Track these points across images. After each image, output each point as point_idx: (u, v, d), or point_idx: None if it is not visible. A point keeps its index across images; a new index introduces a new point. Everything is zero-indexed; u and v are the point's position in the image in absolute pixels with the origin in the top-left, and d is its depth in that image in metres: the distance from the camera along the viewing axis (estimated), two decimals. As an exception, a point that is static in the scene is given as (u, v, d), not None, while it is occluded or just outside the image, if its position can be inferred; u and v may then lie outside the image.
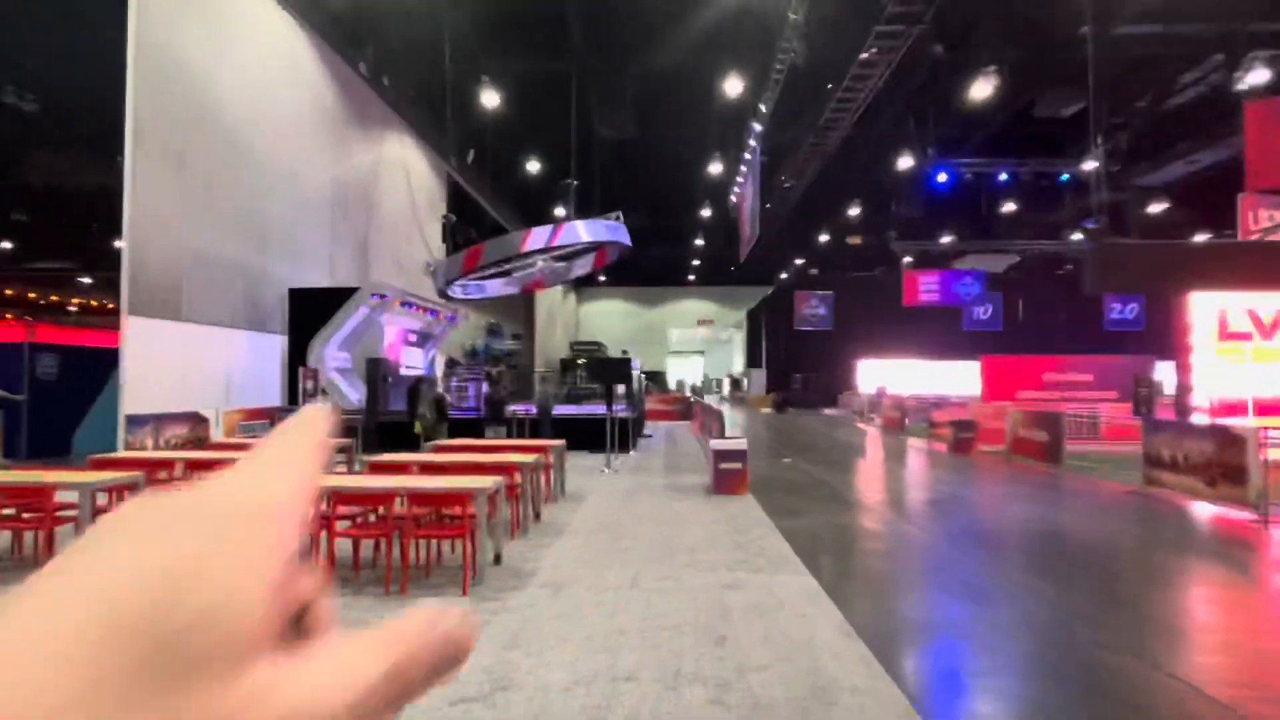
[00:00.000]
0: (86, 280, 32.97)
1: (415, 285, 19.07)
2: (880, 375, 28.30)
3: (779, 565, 5.43)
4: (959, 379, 23.85)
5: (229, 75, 12.38)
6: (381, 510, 4.91)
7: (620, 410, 14.42)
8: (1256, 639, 4.13)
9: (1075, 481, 10.23)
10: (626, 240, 17.59)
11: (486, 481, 4.98)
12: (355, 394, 14.07)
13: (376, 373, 13.42)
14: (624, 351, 26.71)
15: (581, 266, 20.32)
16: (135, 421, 9.52)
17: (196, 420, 10.46)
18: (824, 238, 35.73)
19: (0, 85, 15.21)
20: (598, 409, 14.64)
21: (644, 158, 26.44)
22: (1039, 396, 16.01)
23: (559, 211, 26.25)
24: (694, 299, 50.18)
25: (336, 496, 4.77)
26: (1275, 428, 9.29)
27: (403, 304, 15.98)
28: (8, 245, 27.82)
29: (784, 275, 42.03)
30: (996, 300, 29.89)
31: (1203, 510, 8.02)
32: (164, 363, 10.65)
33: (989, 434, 13.30)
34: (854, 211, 30.76)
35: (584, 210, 22.88)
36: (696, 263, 44.24)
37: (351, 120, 17.06)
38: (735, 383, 47.60)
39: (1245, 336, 10.88)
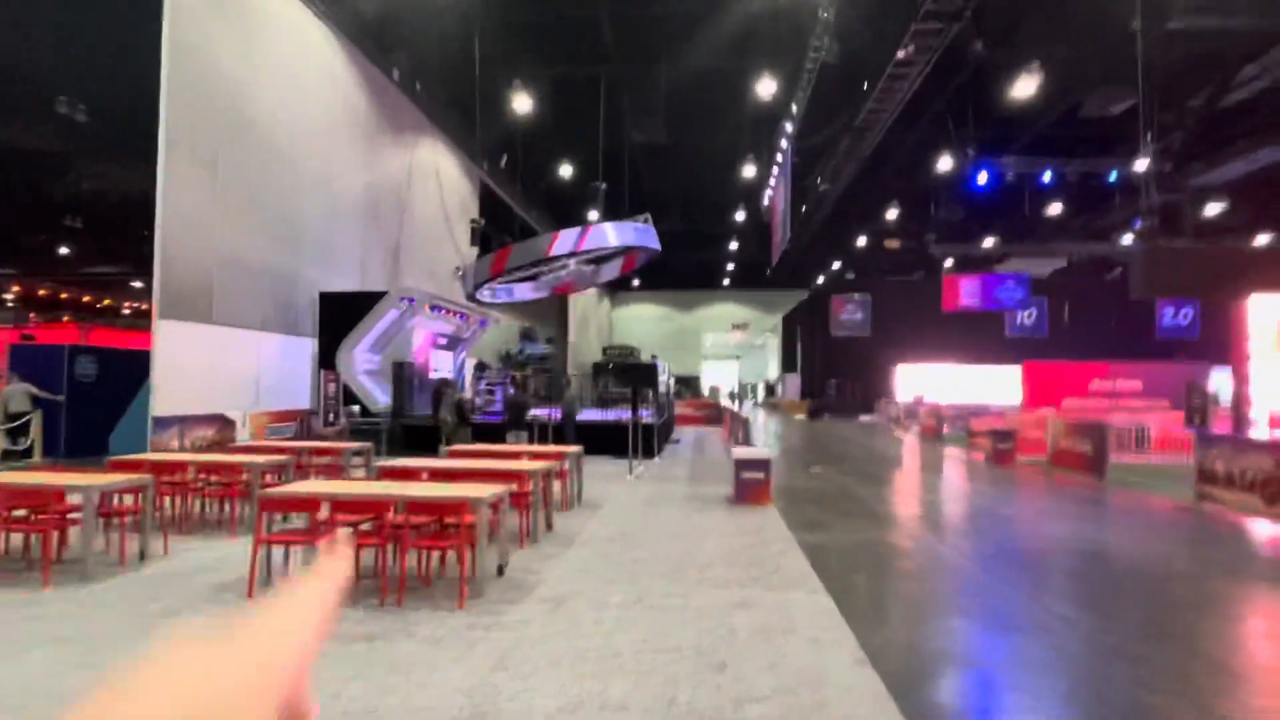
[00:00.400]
0: (138, 284, 34.13)
1: (446, 289, 19.19)
2: (918, 382, 27.56)
3: (795, 583, 5.15)
4: (1001, 386, 23.06)
5: (263, 81, 12.57)
6: (380, 518, 4.78)
7: (646, 416, 14.23)
8: (1321, 681, 3.73)
9: (1120, 497, 9.68)
10: (655, 243, 17.40)
11: (487, 490, 4.82)
12: (384, 396, 14.15)
13: (402, 375, 13.46)
14: (653, 356, 26.51)
15: (610, 270, 20.21)
16: (161, 423, 9.66)
17: (223, 422, 10.58)
18: (861, 241, 34.95)
19: (54, 97, 15.74)
20: (625, 414, 14.47)
21: (676, 161, 26.24)
22: (1085, 405, 15.31)
23: (591, 215, 26.25)
24: (728, 303, 49.75)
25: (334, 505, 4.67)
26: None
27: (432, 308, 16.04)
28: (65, 250, 28.92)
29: (820, 279, 41.35)
30: (1041, 305, 28.89)
31: (1261, 530, 7.47)
32: (193, 365, 10.80)
33: (1029, 444, 12.73)
34: (892, 214, 30.04)
35: (616, 214, 22.78)
36: (731, 267, 43.83)
37: (384, 126, 17.22)
38: (770, 388, 47.02)
39: (1309, 344, 10.18)
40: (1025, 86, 17.72)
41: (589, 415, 15.43)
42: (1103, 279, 32.36)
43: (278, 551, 5.24)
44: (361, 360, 14.23)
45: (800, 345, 38.75)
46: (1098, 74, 18.08)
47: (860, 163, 24.48)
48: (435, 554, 5.25)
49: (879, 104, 19.63)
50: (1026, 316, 25.67)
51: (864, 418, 29.30)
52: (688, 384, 42.09)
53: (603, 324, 47.32)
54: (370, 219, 16.74)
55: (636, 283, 47.00)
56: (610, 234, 16.37)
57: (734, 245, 38.31)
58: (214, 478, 6.96)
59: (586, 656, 3.75)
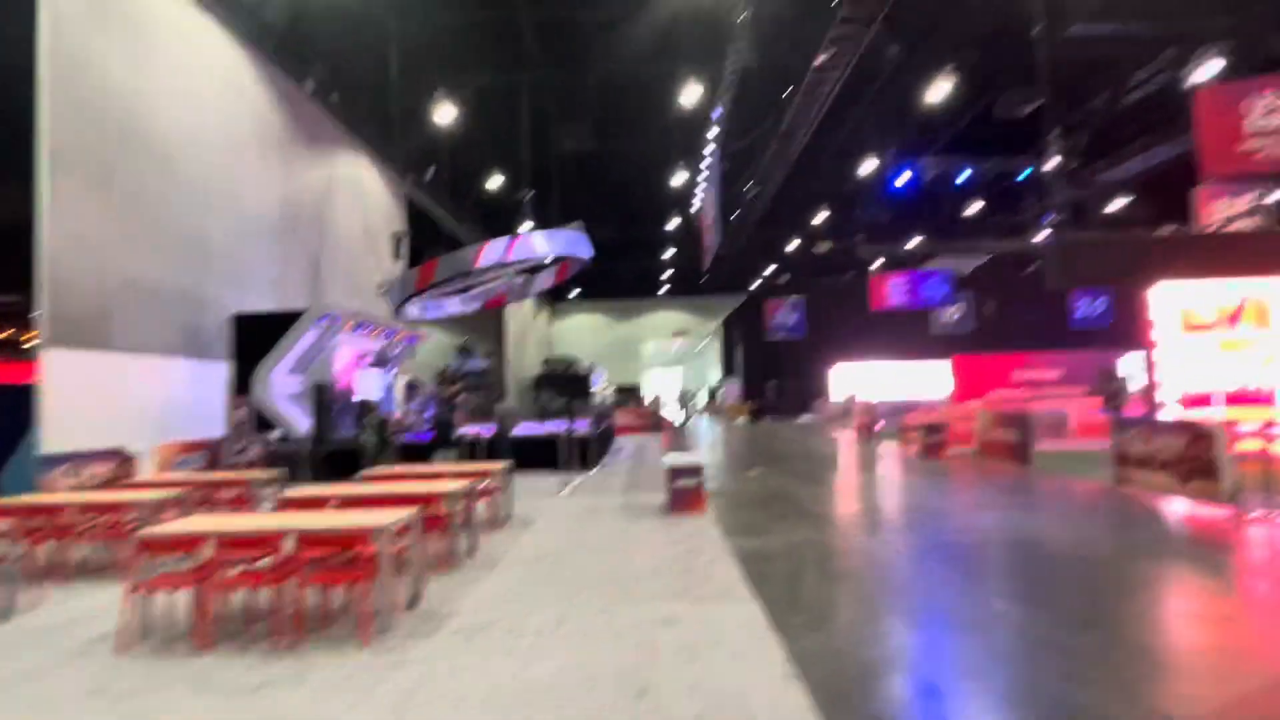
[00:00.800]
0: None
1: (373, 306, 18.50)
2: (853, 380, 28.08)
3: (725, 593, 4.98)
4: (932, 381, 23.65)
5: (160, 95, 11.81)
6: (275, 554, 4.38)
7: (581, 426, 13.96)
8: (1240, 661, 3.75)
9: (1045, 483, 9.93)
10: (588, 251, 17.16)
11: (391, 516, 4.48)
12: (306, 420, 13.46)
13: (322, 398, 12.83)
14: (588, 365, 26.24)
15: (544, 281, 19.85)
16: (51, 462, 8.87)
17: (121, 458, 9.80)
18: (793, 245, 35.50)
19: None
20: (563, 426, 14.16)
21: (608, 169, 26.12)
22: (1011, 395, 15.80)
23: (525, 226, 25.84)
24: (668, 310, 49.87)
25: (221, 542, 4.25)
26: (1244, 420, 9.07)
27: (356, 326, 15.40)
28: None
29: (756, 284, 41.83)
30: (966, 300, 29.95)
31: (1176, 508, 7.72)
32: (89, 396, 10.00)
33: (959, 436, 13.01)
34: (822, 217, 30.59)
35: (548, 224, 22.47)
36: (669, 274, 43.94)
37: (299, 138, 16.51)
38: (712, 393, 47.30)
39: (1209, 327, 10.68)
40: (940, 89, 18.32)
41: (527, 429, 15.06)
42: (1021, 273, 33.70)
43: (161, 598, 4.77)
44: (281, 383, 13.52)
45: (739, 350, 39.14)
46: (1006, 77, 18.76)
47: (788, 167, 24.83)
48: (340, 589, 4.87)
49: (803, 108, 19.95)
50: (952, 312, 26.48)
51: (803, 418, 29.70)
52: (630, 393, 41.94)
53: (543, 336, 46.78)
54: (287, 235, 15.99)
55: (576, 293, 46.69)
56: (539, 243, 16.05)
57: (671, 252, 38.42)
58: (101, 518, 6.36)
59: (498, 691, 3.47)
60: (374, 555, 4.24)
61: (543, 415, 19.97)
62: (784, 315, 32.79)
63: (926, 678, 3.66)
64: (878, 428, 18.06)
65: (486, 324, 31.97)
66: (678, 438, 12.05)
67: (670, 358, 51.84)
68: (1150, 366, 11.23)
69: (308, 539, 4.27)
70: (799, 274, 38.73)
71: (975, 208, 27.70)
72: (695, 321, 49.71)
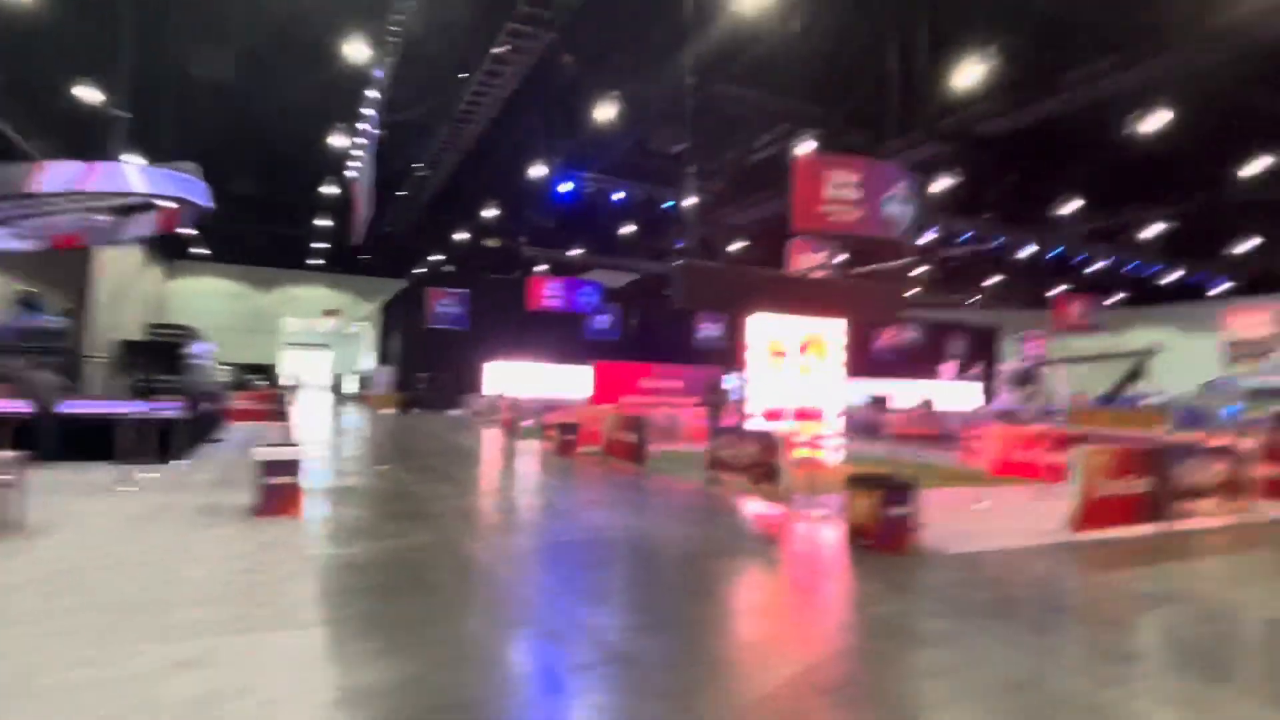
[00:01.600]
0: None
1: None
2: (507, 377, 28.44)
3: (285, 619, 4.21)
4: (578, 383, 25.02)
5: None
6: None
7: (164, 409, 11.50)
8: (769, 657, 4.25)
9: (654, 482, 10.90)
10: (206, 200, 14.19)
11: None
12: None
13: None
14: (188, 334, 22.22)
15: (143, 224, 16.03)
16: None
17: None
18: (463, 236, 34.76)
19: None
20: (149, 406, 11.50)
21: (252, 113, 22.35)
22: (638, 400, 17.40)
23: (129, 158, 20.66)
24: (319, 286, 44.99)
25: None
26: (802, 432, 11.09)
27: None
28: None
29: (421, 270, 40.01)
30: (616, 312, 32.49)
31: (750, 507, 8.95)
32: None
33: (591, 436, 13.77)
34: (492, 213, 30.43)
35: (162, 157, 18.28)
36: (323, 246, 39.54)
37: None
38: (363, 381, 43.96)
39: (785, 354, 12.92)
40: (605, 111, 19.45)
41: (86, 408, 11.85)
42: (662, 293, 37.85)
43: None
44: None
45: (398, 337, 36.96)
46: (661, 116, 20.63)
47: (461, 155, 24.20)
48: None
49: (478, 97, 19.52)
50: (602, 321, 28.45)
51: (454, 412, 29.14)
52: (263, 372, 36.78)
53: (153, 297, 38.36)
54: None
55: (205, 252, 39.30)
56: (134, 177, 12.72)
57: (326, 222, 34.59)
58: None
59: None
60: None
61: (139, 393, 16.19)
62: (447, 306, 31.90)
63: (483, 710, 3.41)
64: (522, 425, 18.38)
65: (66, 271, 24.95)
66: (287, 427, 10.57)
67: (316, 337, 46.87)
68: (744, 383, 13.20)
69: None
70: (466, 266, 38.07)
71: (629, 229, 30.29)
72: (351, 302, 45.70)
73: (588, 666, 3.80)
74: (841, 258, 18.94)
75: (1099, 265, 30.79)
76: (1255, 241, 29.40)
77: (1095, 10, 14.41)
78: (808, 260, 17.41)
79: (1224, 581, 6.08)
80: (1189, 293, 36.27)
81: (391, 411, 29.58)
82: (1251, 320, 32.39)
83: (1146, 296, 39.35)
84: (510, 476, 11.93)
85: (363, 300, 45.38)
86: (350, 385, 44.85)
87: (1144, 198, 24.96)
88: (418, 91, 18.99)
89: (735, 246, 30.00)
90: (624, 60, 18.74)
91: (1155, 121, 16.65)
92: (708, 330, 31.31)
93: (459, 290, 32.16)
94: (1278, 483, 9.05)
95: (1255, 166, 20.00)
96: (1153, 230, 27.83)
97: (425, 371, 32.79)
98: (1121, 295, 39.52)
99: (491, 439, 17.91)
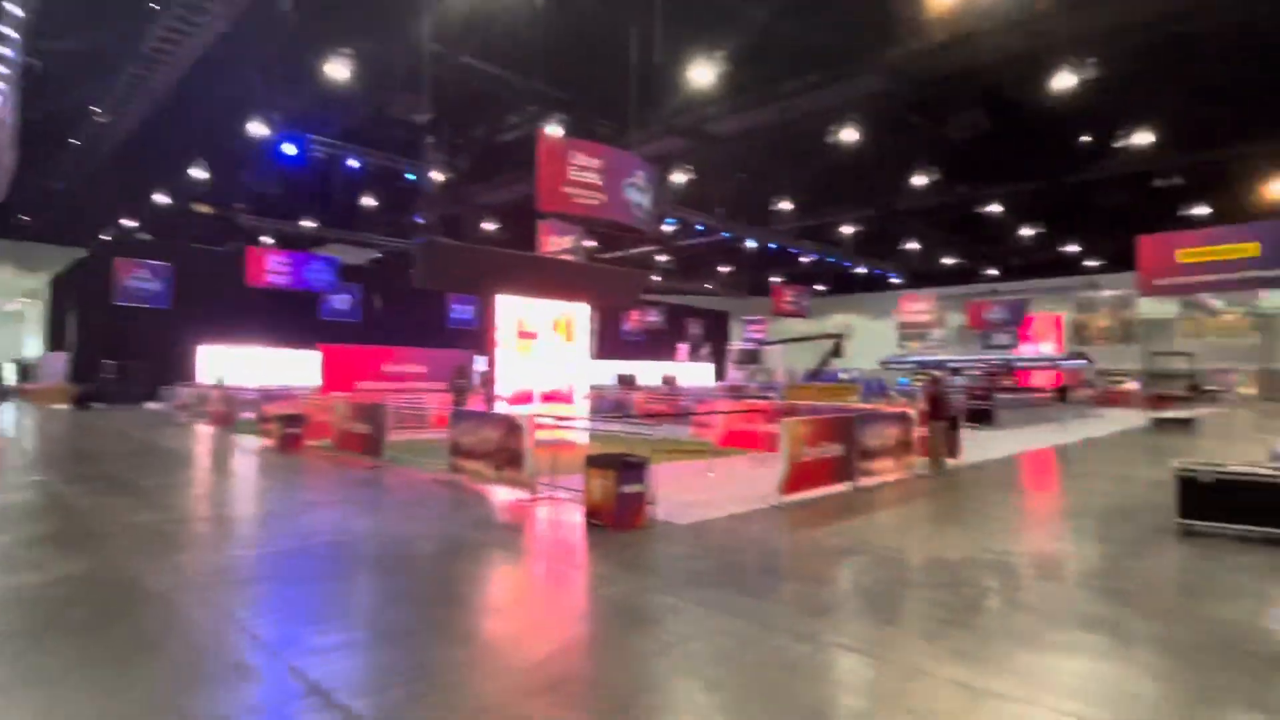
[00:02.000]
0: None
1: None
2: (225, 364, 24.84)
3: None
4: (309, 370, 22.66)
5: None
6: None
7: None
8: (501, 659, 4.05)
9: (392, 475, 10.16)
10: None
11: None
12: None
13: None
14: None
15: None
16: None
17: None
18: (164, 199, 29.40)
19: None
20: None
21: None
22: (377, 388, 16.13)
23: None
24: (-44, 252, 35.19)
25: None
26: (547, 415, 11.07)
27: None
28: None
29: (106, 238, 33.18)
30: (358, 292, 29.95)
31: (493, 496, 8.66)
32: None
33: (319, 428, 12.47)
34: (202, 174, 26.10)
35: None
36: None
37: None
38: (26, 370, 35.41)
39: (534, 335, 12.84)
40: (337, 69, 17.57)
41: None
42: (408, 272, 35.80)
43: None
44: None
45: (77, 317, 30.27)
46: (401, 81, 19.20)
47: (154, 102, 20.37)
48: None
49: (175, 34, 16.49)
50: (341, 301, 26.06)
51: (153, 405, 24.78)
52: None
53: None
54: None
55: None
56: None
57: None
58: None
59: None
60: None
61: None
62: (142, 280, 27.01)
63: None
64: (237, 418, 16.10)
65: None
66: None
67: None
68: (491, 366, 12.86)
69: None
70: (169, 235, 32.36)
71: (371, 203, 27.98)
72: (12, 274, 36.44)
73: (283, 701, 3.29)
74: (590, 243, 19.30)
75: (809, 259, 35.34)
76: (916, 245, 35.94)
77: (801, 29, 16.18)
78: (557, 243, 17.49)
79: (893, 531, 7.20)
80: (875, 284, 43.35)
81: (63, 407, 24.27)
82: (917, 307, 39.92)
83: (843, 286, 46.46)
84: (212, 480, 10.32)
85: (26, 271, 36.51)
86: (9, 376, 35.89)
87: (841, 201, 29.11)
88: (86, 13, 15.55)
89: (489, 227, 29.26)
90: (355, 14, 17.09)
91: (848, 135, 19.29)
92: (460, 312, 30.24)
93: (158, 262, 27.34)
94: (924, 440, 11.01)
95: (918, 180, 24.20)
96: (848, 229, 32.70)
97: (113, 358, 27.36)
98: (824, 286, 46.31)
99: (198, 437, 15.44)
